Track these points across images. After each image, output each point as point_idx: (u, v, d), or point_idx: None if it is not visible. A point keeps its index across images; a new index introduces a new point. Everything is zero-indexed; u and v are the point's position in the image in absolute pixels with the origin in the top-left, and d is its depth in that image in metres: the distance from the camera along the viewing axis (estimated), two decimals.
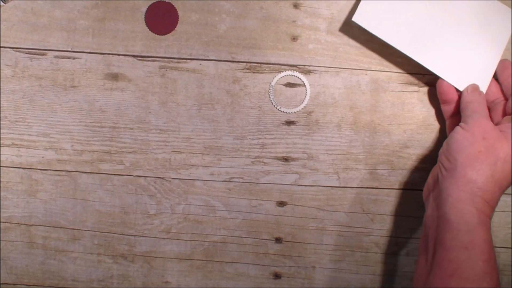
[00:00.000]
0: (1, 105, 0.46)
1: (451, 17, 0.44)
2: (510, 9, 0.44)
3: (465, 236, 0.37)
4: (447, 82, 0.43)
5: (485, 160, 0.38)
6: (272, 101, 0.46)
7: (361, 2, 0.43)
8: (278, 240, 0.47)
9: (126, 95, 0.46)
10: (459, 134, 0.40)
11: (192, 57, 0.46)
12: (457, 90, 0.43)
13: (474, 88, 0.43)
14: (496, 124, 0.42)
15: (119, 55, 0.46)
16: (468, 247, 0.36)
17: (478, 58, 0.44)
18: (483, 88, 0.44)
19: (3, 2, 0.45)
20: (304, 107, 0.46)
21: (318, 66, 0.46)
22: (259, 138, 0.46)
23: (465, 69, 0.44)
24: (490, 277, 0.36)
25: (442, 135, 0.46)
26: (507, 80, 0.43)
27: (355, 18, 0.43)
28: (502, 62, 0.44)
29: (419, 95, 0.46)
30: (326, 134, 0.46)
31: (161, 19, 0.45)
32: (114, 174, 0.47)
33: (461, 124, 0.41)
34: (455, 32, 0.44)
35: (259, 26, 0.46)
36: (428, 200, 0.42)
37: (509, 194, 0.47)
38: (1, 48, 0.46)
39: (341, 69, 0.46)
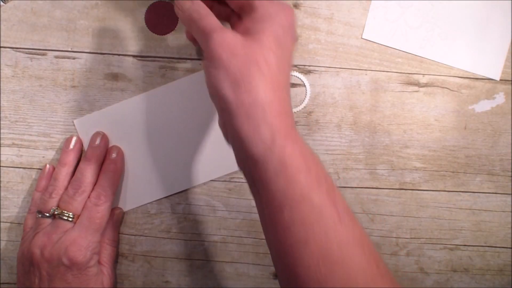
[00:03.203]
0: (1, 105, 0.46)
1: (457, 11, 0.45)
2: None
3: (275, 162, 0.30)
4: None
5: (253, 74, 0.30)
6: None
7: (368, 18, 0.44)
8: None
9: (126, 95, 0.46)
10: (209, 73, 0.32)
11: (192, 57, 0.46)
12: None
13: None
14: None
15: (119, 55, 0.46)
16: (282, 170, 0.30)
17: (489, 44, 0.45)
18: (497, 73, 0.45)
19: (3, 2, 0.45)
20: (304, 107, 0.46)
21: (318, 66, 0.46)
22: None
23: (479, 56, 0.45)
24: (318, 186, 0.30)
25: (442, 135, 0.46)
26: None
27: (365, 35, 0.44)
28: None
29: (419, 95, 0.46)
30: (326, 134, 0.46)
31: (161, 19, 0.45)
32: None
33: (204, 62, 0.33)
34: (463, 25, 0.45)
35: None
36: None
37: (509, 194, 0.47)
38: (1, 48, 0.46)
39: (341, 69, 0.46)
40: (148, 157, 0.45)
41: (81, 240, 0.40)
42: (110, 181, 0.43)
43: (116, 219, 0.45)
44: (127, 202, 0.46)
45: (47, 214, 0.42)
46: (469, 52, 0.46)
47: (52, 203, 0.42)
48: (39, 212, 0.42)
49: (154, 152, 0.45)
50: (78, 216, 0.42)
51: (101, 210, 0.42)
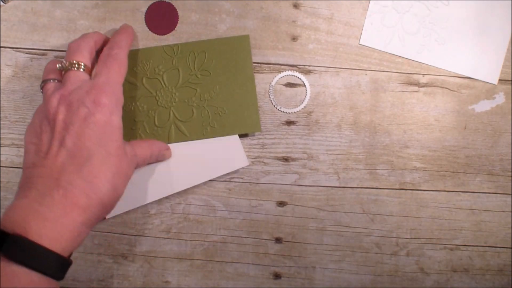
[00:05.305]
0: (1, 105, 0.46)
1: (454, 16, 0.45)
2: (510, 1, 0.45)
3: None
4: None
5: None
6: (272, 101, 0.46)
7: (365, 24, 0.44)
8: (278, 240, 0.47)
9: None
10: None
11: None
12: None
13: None
14: None
15: None
16: None
17: (486, 49, 0.45)
18: (495, 78, 0.45)
19: (3, 2, 0.45)
20: (304, 107, 0.46)
21: (318, 66, 0.46)
22: (259, 138, 0.46)
23: (477, 61, 0.45)
24: None
25: (442, 135, 0.46)
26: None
27: (363, 41, 0.44)
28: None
29: (419, 95, 0.46)
30: (326, 134, 0.46)
31: (161, 19, 0.45)
32: None
33: None
34: (460, 30, 0.45)
35: (259, 26, 0.46)
36: None
37: (509, 194, 0.47)
38: (1, 48, 0.46)
39: (341, 69, 0.46)
40: None
41: (103, 86, 0.36)
42: (123, 35, 0.41)
43: (156, 154, 0.42)
44: (128, 203, 0.46)
45: (52, 76, 0.38)
46: (466, 57, 0.46)
47: (55, 65, 0.38)
48: (43, 81, 0.38)
49: None
50: (91, 70, 0.38)
51: (119, 57, 0.38)
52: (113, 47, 0.39)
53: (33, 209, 0.33)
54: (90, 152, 0.35)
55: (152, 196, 0.46)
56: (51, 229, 0.32)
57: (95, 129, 0.35)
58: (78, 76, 0.37)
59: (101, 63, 0.38)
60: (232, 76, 0.45)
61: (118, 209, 0.46)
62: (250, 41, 0.46)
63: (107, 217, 0.45)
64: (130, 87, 0.45)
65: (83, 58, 0.38)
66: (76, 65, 0.38)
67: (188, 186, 0.46)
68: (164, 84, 0.45)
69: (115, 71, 0.38)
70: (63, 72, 0.38)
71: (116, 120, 0.37)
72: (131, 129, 0.45)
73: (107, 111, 0.36)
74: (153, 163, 0.44)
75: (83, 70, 0.38)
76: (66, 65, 0.38)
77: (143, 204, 0.46)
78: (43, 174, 0.34)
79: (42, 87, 0.38)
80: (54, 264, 0.32)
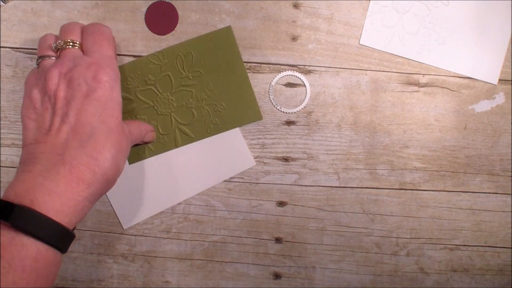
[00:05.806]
0: (1, 105, 0.46)
1: (454, 16, 0.45)
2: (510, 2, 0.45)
3: None
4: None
5: None
6: (272, 101, 0.46)
7: (365, 24, 0.44)
8: (278, 240, 0.47)
9: None
10: None
11: None
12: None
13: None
14: None
15: (119, 55, 0.46)
16: None
17: (486, 49, 0.45)
18: (495, 78, 0.45)
19: (3, 2, 0.45)
20: (304, 107, 0.46)
21: (318, 66, 0.46)
22: (259, 138, 0.46)
23: (477, 61, 0.45)
24: None
25: (442, 135, 0.46)
26: None
27: (363, 41, 0.44)
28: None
29: (419, 95, 0.46)
30: (326, 134, 0.46)
31: (161, 19, 0.45)
32: None
33: None
34: (460, 30, 0.45)
35: (259, 26, 0.46)
36: None
37: (509, 194, 0.47)
38: (1, 48, 0.46)
39: (341, 69, 0.46)
40: (150, 169, 0.45)
41: (100, 62, 0.37)
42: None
43: (144, 134, 0.43)
44: (147, 211, 0.46)
45: (50, 53, 0.39)
46: (466, 57, 0.46)
47: (51, 41, 0.39)
48: (39, 57, 0.39)
49: (155, 163, 0.45)
50: (82, 46, 0.39)
51: (106, 32, 0.39)
52: (95, 24, 0.40)
53: (38, 183, 0.33)
54: (93, 128, 0.35)
55: (168, 203, 0.46)
56: (57, 202, 0.33)
57: (97, 106, 0.36)
58: (74, 53, 0.38)
59: (90, 40, 0.39)
60: (223, 70, 0.45)
61: (136, 219, 0.46)
62: (250, 41, 0.46)
63: (124, 227, 0.46)
64: (125, 102, 0.45)
65: (77, 37, 0.39)
66: (71, 43, 0.38)
67: (199, 191, 0.46)
68: (159, 92, 0.45)
69: (106, 46, 0.39)
70: (58, 53, 0.39)
71: (117, 95, 0.37)
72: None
73: (108, 87, 0.36)
74: (139, 144, 0.44)
75: (78, 48, 0.39)
76: (61, 44, 0.39)
77: (160, 211, 0.46)
78: (47, 150, 0.35)
79: (38, 63, 0.39)
80: (60, 235, 0.33)
